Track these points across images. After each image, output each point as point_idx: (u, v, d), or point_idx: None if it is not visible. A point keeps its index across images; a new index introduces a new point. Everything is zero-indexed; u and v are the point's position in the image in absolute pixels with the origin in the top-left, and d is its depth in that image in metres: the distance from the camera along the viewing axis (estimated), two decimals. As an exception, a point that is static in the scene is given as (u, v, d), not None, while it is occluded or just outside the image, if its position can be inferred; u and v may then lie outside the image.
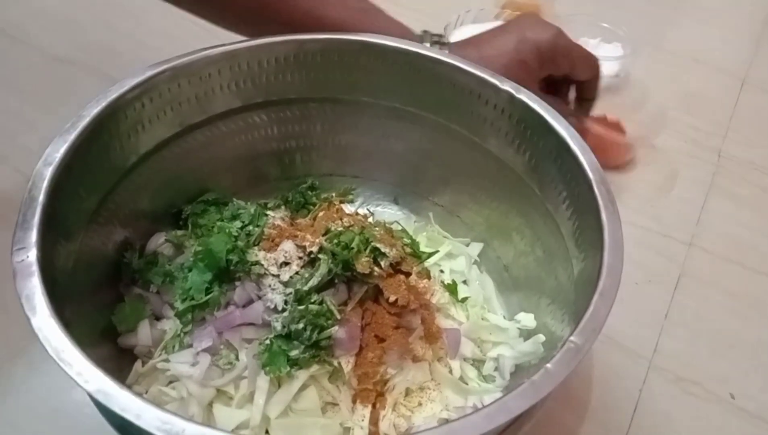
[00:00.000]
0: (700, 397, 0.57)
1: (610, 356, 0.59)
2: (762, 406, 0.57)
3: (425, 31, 0.64)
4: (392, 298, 0.48)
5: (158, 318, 0.53)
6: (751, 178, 0.79)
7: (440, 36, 0.64)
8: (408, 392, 0.49)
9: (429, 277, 0.55)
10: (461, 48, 0.63)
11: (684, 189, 0.76)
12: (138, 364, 0.50)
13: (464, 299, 0.56)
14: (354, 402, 0.47)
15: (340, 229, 0.51)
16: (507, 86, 0.54)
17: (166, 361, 0.48)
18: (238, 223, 0.52)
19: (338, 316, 0.47)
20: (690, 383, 0.58)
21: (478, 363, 0.53)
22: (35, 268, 0.38)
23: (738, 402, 0.57)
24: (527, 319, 0.54)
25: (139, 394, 0.33)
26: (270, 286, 0.48)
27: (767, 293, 0.66)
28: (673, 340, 0.61)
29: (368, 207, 0.66)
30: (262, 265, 0.48)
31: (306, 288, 0.47)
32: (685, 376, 0.58)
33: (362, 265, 0.47)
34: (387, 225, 0.57)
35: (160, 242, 0.56)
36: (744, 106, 0.90)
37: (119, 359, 0.50)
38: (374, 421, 0.47)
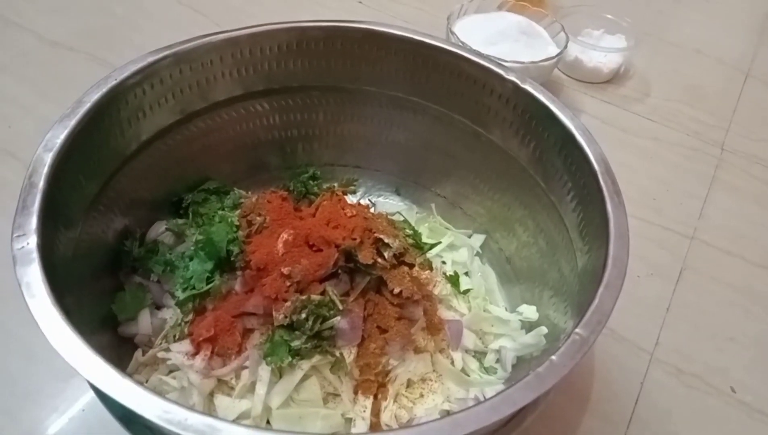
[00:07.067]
0: (701, 390, 0.57)
1: (612, 349, 0.59)
2: (762, 399, 0.57)
3: None
4: (397, 290, 0.48)
5: (159, 307, 0.52)
6: (753, 172, 0.78)
7: None
8: (410, 383, 0.49)
9: (431, 269, 0.55)
10: None
11: (686, 182, 0.76)
12: (138, 353, 0.49)
13: (466, 291, 0.56)
14: (356, 393, 0.47)
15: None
16: (512, 76, 0.53)
17: (167, 350, 0.48)
18: (239, 212, 0.52)
19: (340, 307, 0.46)
20: (691, 376, 0.58)
21: (479, 355, 0.53)
22: (35, 255, 0.37)
23: (738, 395, 0.57)
24: (529, 311, 0.54)
25: (140, 383, 0.33)
26: (271, 275, 0.47)
27: (769, 287, 0.66)
28: (674, 333, 0.61)
29: (370, 197, 0.66)
30: (264, 254, 0.48)
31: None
32: (686, 369, 0.58)
33: (365, 256, 0.47)
34: (388, 216, 0.56)
35: (160, 231, 0.55)
36: (747, 99, 0.89)
37: (119, 348, 0.49)
38: (376, 412, 0.47)
